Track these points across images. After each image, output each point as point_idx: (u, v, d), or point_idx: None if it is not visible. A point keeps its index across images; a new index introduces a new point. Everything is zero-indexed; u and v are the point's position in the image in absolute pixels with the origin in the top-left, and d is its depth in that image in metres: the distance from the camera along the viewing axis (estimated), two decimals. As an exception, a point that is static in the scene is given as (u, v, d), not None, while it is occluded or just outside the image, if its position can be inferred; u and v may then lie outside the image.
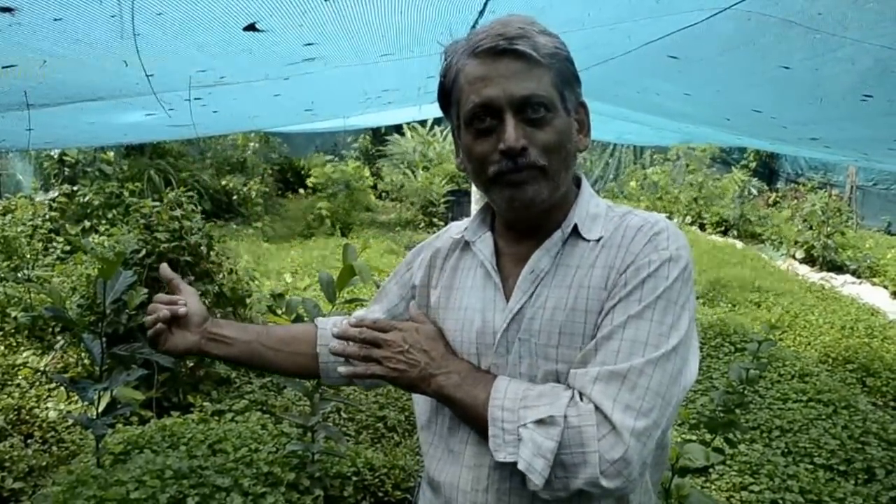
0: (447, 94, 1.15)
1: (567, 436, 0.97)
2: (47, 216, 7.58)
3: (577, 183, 1.22)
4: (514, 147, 1.04)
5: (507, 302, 1.15)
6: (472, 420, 1.09)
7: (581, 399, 1.00)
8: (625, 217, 1.15)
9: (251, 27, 1.71)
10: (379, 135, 15.21)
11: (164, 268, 1.37)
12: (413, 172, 13.22)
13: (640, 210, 1.18)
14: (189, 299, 1.34)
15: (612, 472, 0.96)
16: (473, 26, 2.35)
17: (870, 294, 8.40)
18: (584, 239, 1.14)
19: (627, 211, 1.17)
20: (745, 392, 3.98)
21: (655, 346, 1.02)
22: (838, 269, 9.70)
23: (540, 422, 0.98)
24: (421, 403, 1.27)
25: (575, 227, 1.14)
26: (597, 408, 0.98)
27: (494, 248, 1.21)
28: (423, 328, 1.17)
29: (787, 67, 2.68)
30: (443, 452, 1.20)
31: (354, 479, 3.32)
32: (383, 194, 13.71)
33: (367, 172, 12.55)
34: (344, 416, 4.13)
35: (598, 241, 1.13)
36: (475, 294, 1.20)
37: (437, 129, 14.48)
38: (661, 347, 1.02)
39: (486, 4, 2.15)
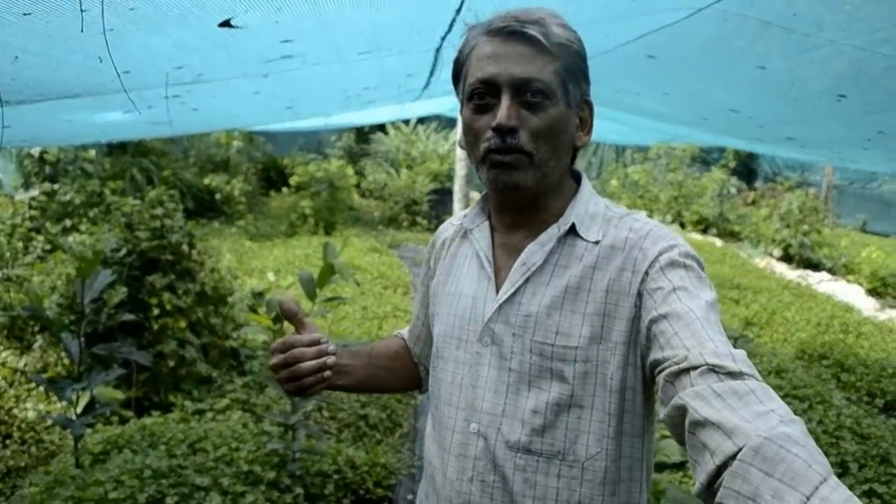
0: (458, 70, 1.17)
1: None
2: (27, 215, 7.50)
3: (578, 179, 1.22)
4: (504, 125, 1.06)
5: (498, 293, 1.16)
6: None
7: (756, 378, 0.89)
8: (624, 221, 1.16)
9: (226, 23, 1.70)
10: (362, 134, 15.21)
11: (285, 302, 1.21)
12: (396, 171, 13.22)
13: (638, 214, 1.19)
14: (317, 334, 1.21)
15: None
16: (451, 25, 2.36)
17: (845, 291, 8.53)
18: (581, 238, 1.14)
19: (626, 213, 1.18)
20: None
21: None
22: (815, 266, 9.84)
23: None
24: (431, 388, 1.28)
25: (573, 225, 1.14)
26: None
27: (491, 237, 1.23)
28: None
29: (763, 67, 2.71)
30: (438, 437, 1.23)
31: (335, 476, 3.33)
32: (367, 193, 13.70)
33: (350, 171, 12.51)
34: (325, 414, 4.13)
35: (597, 243, 1.13)
36: (469, 281, 1.22)
37: (420, 128, 14.49)
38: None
39: (462, 3, 2.16)
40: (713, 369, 0.88)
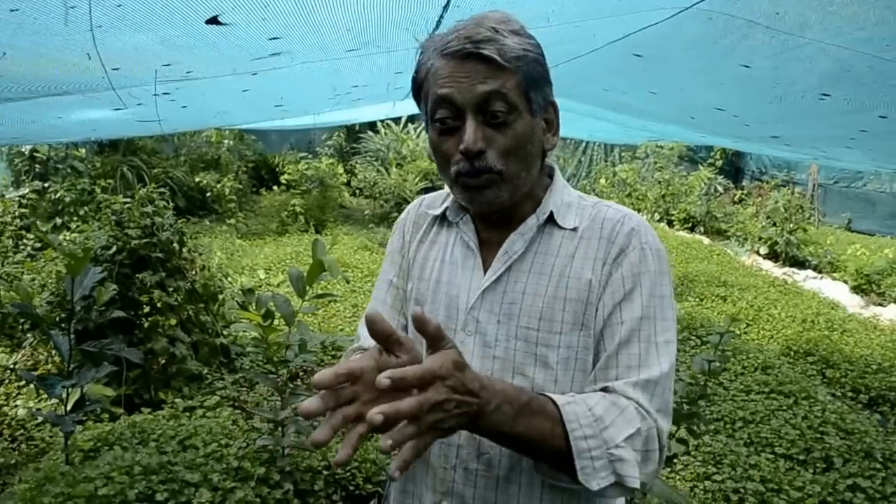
0: (418, 89, 1.17)
1: (643, 442, 1.03)
2: (17, 213, 7.49)
3: (551, 174, 1.24)
4: (472, 149, 1.06)
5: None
6: (539, 453, 1.01)
7: (641, 408, 1.05)
8: (598, 208, 1.20)
9: (214, 20, 1.71)
10: (353, 132, 15.22)
11: (374, 317, 0.89)
12: (386, 170, 13.25)
13: (609, 201, 1.23)
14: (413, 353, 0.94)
15: (659, 466, 1.05)
16: (438, 22, 2.37)
17: (830, 288, 8.58)
18: (559, 227, 1.17)
19: (597, 201, 1.22)
20: (708, 384, 4.06)
21: (666, 344, 1.11)
22: (800, 264, 9.92)
23: (629, 438, 1.01)
24: None
25: (550, 214, 1.17)
26: (645, 412, 1.05)
27: (475, 229, 1.24)
28: (450, 358, 0.88)
29: (747, 66, 2.74)
30: None
31: (325, 472, 3.33)
32: (357, 191, 13.71)
33: (340, 169, 12.54)
34: (315, 411, 4.14)
35: (575, 230, 1.17)
36: (452, 269, 1.23)
37: (410, 126, 14.53)
38: (670, 345, 1.11)
39: (449, 0, 2.18)
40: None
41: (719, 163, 13.61)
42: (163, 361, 4.19)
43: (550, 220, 1.18)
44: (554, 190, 1.21)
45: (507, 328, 1.14)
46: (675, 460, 3.58)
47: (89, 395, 3.42)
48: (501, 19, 1.09)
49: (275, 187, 12.01)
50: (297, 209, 10.79)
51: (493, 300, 1.16)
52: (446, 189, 1.30)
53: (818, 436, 3.88)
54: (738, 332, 5.94)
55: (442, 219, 1.29)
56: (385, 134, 14.39)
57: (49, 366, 4.40)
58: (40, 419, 3.87)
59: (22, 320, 4.70)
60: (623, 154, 14.66)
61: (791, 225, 10.03)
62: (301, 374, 4.52)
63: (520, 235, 1.18)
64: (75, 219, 7.91)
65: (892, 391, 4.88)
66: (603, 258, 1.14)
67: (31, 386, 4.18)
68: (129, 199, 4.54)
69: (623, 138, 10.07)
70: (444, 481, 1.16)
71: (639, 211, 10.03)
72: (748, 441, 3.90)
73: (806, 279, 9.13)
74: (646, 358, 1.08)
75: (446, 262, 1.25)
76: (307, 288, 3.13)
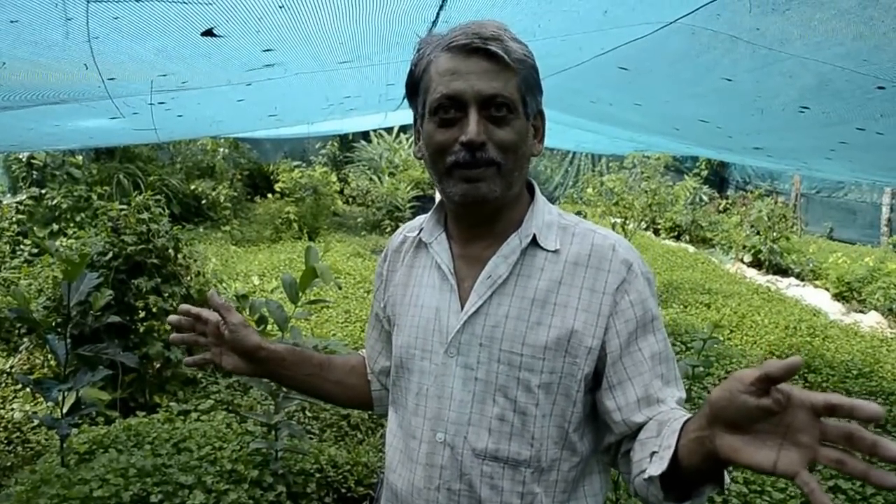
0: (415, 83, 1.17)
1: None
2: (14, 219, 7.55)
3: (530, 189, 1.24)
4: (475, 141, 1.08)
5: (462, 304, 1.18)
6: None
7: None
8: (582, 232, 1.19)
9: (209, 32, 1.77)
10: (346, 141, 15.33)
11: (213, 296, 1.34)
12: (379, 178, 13.37)
13: (589, 223, 1.23)
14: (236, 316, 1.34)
15: None
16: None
17: (812, 296, 8.71)
18: (541, 248, 1.16)
19: (579, 221, 1.22)
20: (692, 388, 4.12)
21: (672, 363, 1.18)
22: (783, 272, 10.10)
23: None
24: (394, 397, 1.30)
25: (533, 236, 1.17)
26: None
27: (449, 249, 1.23)
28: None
29: (730, 80, 2.79)
30: (403, 447, 1.24)
31: (317, 475, 3.35)
32: (350, 199, 13.80)
33: (334, 178, 12.64)
34: (308, 414, 4.19)
35: (557, 252, 1.16)
36: (430, 293, 1.22)
37: (402, 136, 14.66)
38: (675, 367, 1.19)
39: (438, 15, 2.24)
40: (640, 429, 1.10)
41: (704, 173, 13.79)
42: (158, 365, 4.24)
43: (533, 241, 1.17)
44: (535, 209, 1.21)
45: (489, 351, 1.14)
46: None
47: (85, 398, 3.46)
48: (501, 26, 1.12)
49: (269, 195, 12.08)
50: (291, 217, 10.86)
51: (476, 323, 1.16)
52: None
53: (801, 440, 3.92)
54: (722, 338, 6.00)
55: (421, 241, 1.29)
56: (378, 143, 14.53)
57: (45, 370, 4.44)
58: (36, 422, 3.90)
59: (19, 325, 4.74)
60: (610, 164, 14.80)
61: (774, 234, 10.21)
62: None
63: (503, 258, 1.17)
64: (72, 225, 7.96)
65: (872, 395, 4.95)
66: (591, 287, 1.14)
67: (28, 389, 4.22)
68: (125, 206, 4.60)
69: (610, 149, 10.20)
70: (428, 501, 1.17)
71: (626, 220, 10.14)
72: (732, 445, 3.92)
73: (788, 286, 9.26)
74: (673, 376, 1.16)
75: (424, 285, 1.25)
76: (300, 294, 3.18)
